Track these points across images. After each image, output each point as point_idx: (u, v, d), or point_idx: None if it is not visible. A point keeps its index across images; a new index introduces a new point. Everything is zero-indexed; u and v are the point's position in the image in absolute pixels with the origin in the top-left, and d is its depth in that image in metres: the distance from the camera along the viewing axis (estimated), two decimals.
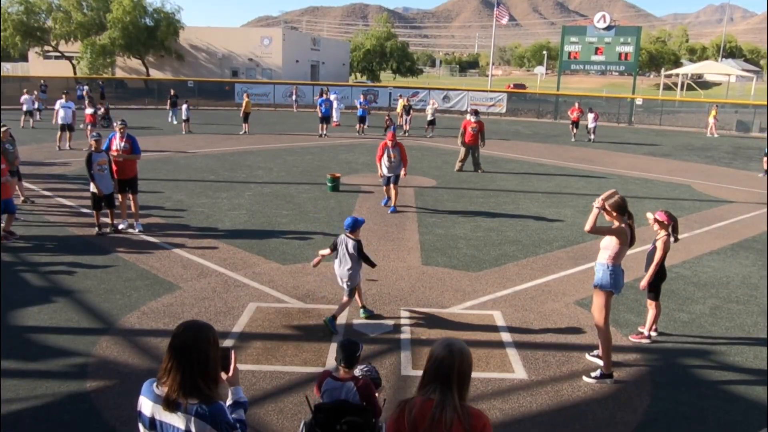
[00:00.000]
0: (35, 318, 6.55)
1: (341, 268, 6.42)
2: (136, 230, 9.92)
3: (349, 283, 6.44)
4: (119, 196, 10.09)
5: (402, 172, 12.14)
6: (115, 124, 10.12)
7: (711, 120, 30.84)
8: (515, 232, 10.72)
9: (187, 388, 2.46)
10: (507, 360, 5.93)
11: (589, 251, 9.74)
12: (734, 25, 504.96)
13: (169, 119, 27.60)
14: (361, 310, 6.84)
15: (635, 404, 5.25)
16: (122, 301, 7.07)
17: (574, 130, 26.09)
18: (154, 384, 2.57)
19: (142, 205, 11.89)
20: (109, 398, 5.02)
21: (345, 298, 6.54)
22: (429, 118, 25.60)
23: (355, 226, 6.40)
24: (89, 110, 20.43)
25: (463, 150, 17.00)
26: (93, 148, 9.52)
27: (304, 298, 7.32)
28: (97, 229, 9.72)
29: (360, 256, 6.40)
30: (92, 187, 9.51)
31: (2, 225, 9.20)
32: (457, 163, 17.18)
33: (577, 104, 26.83)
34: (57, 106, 19.03)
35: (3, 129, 10.43)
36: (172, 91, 28.80)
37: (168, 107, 27.95)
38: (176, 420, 2.48)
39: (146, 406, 2.55)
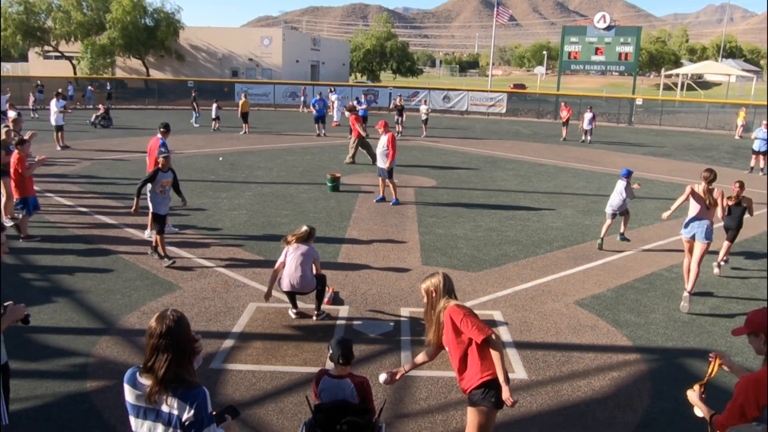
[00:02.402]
0: (35, 318, 6.52)
1: (615, 199, 9.78)
2: (175, 230, 10.02)
3: (617, 210, 9.79)
4: None
5: (386, 164, 12.27)
6: (161, 130, 9.84)
7: (740, 122, 30.44)
8: (515, 232, 10.73)
9: (170, 377, 2.56)
10: (507, 360, 5.93)
11: (589, 251, 9.74)
12: (734, 25, 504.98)
13: (193, 120, 26.76)
14: (619, 236, 10.01)
15: (635, 404, 5.25)
16: (122, 301, 7.07)
17: (564, 129, 26.30)
18: (137, 373, 2.65)
19: (142, 204, 11.89)
20: (109, 398, 5.02)
21: (609, 221, 9.80)
22: (423, 117, 25.56)
23: (629, 174, 10.07)
24: (12, 113, 17.26)
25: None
26: (160, 165, 8.34)
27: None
28: (155, 253, 8.47)
29: (627, 191, 9.75)
30: (151, 206, 8.41)
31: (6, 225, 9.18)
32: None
33: (563, 104, 26.97)
34: (51, 106, 19.15)
35: (5, 130, 10.44)
36: (193, 93, 28.13)
37: (195, 109, 27.01)
38: (160, 404, 2.57)
39: (130, 393, 2.64)
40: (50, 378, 5.33)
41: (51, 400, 4.99)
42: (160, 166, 8.34)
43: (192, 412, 2.54)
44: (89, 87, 35.21)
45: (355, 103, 25.18)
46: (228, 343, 6.09)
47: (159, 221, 8.44)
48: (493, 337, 3.66)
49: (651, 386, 5.56)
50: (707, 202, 7.39)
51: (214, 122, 25.27)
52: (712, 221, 7.50)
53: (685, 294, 7.41)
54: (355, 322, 6.68)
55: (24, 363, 5.57)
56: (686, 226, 7.68)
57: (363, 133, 17.44)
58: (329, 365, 3.93)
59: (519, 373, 5.69)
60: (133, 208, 8.34)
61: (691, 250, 7.64)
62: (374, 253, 9.22)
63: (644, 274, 8.66)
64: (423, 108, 26.10)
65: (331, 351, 3.84)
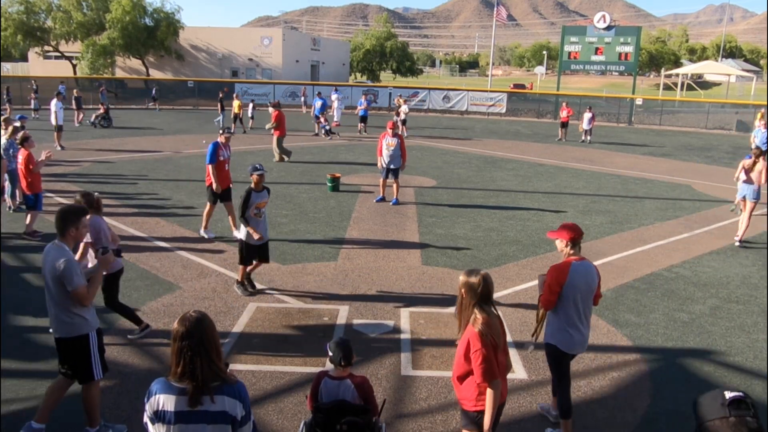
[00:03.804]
0: (35, 318, 6.54)
1: (744, 185, 10.54)
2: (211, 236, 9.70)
3: (751, 197, 10.42)
4: (207, 206, 9.66)
5: (401, 165, 12.35)
6: (221, 132, 9.72)
7: (757, 123, 30.01)
8: (515, 232, 10.73)
9: (209, 376, 2.58)
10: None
11: (588, 251, 9.74)
12: (734, 25, 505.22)
13: (215, 122, 26.47)
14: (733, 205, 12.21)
15: (635, 404, 5.25)
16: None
17: (561, 130, 26.15)
18: (169, 380, 2.63)
19: (142, 204, 11.90)
20: (109, 398, 5.02)
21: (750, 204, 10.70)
22: (402, 117, 24.77)
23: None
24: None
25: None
26: (253, 185, 7.19)
27: (304, 298, 7.33)
28: (242, 287, 7.34)
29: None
30: (242, 233, 7.19)
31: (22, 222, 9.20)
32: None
33: (564, 103, 26.86)
34: (52, 106, 19.23)
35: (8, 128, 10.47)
36: (220, 93, 27.73)
37: (219, 110, 26.47)
38: (207, 405, 2.57)
39: (169, 401, 2.59)
40: (50, 378, 5.30)
41: None
42: (253, 185, 7.15)
43: (242, 405, 2.63)
44: (102, 88, 34.95)
45: (327, 102, 24.95)
46: (228, 343, 6.09)
47: (245, 250, 7.20)
48: (494, 384, 3.47)
49: (651, 386, 5.56)
50: (751, 171, 10.33)
51: (251, 121, 26.12)
52: (759, 186, 10.30)
53: (736, 240, 10.38)
54: (355, 322, 6.68)
55: (24, 363, 5.57)
56: (740, 189, 10.60)
57: (283, 132, 17.95)
58: (329, 365, 3.92)
59: (519, 373, 5.69)
60: (256, 236, 7.05)
61: (743, 208, 10.57)
62: (374, 253, 9.22)
63: (644, 274, 8.66)
64: (404, 108, 25.90)
65: (331, 353, 3.83)
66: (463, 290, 3.57)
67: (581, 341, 4.61)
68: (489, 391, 3.48)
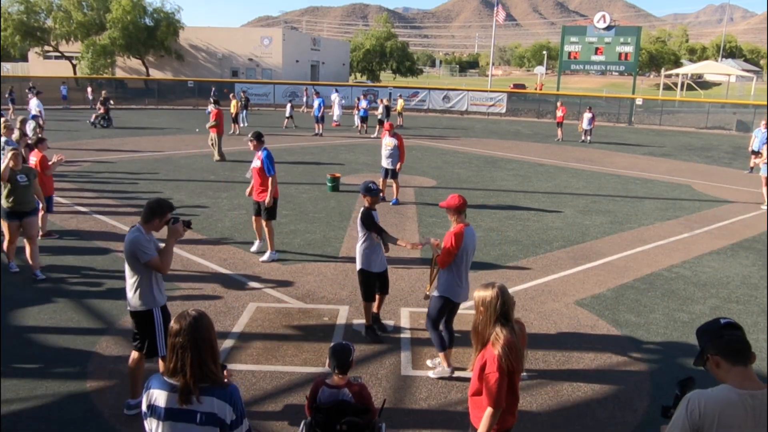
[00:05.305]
0: (35, 318, 6.54)
1: None
2: (269, 260, 8.68)
3: None
4: (254, 219, 9.03)
5: (397, 166, 12.34)
6: (248, 138, 8.99)
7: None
8: (515, 232, 10.73)
9: (200, 375, 2.56)
10: None
11: (589, 251, 9.74)
12: (734, 25, 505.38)
13: (240, 123, 26.32)
14: None
15: (635, 404, 5.25)
16: (122, 301, 7.02)
17: (559, 130, 26.14)
18: (163, 376, 2.63)
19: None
20: (109, 398, 5.02)
21: None
22: (379, 117, 24.33)
23: None
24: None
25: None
26: (367, 204, 6.15)
27: (304, 298, 7.33)
28: (372, 333, 6.29)
29: None
30: (362, 262, 6.18)
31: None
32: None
33: (559, 103, 26.80)
34: (31, 105, 19.28)
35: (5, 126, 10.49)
36: (242, 93, 27.79)
37: (241, 109, 26.28)
38: (195, 405, 2.56)
39: (161, 397, 2.60)
40: (50, 378, 5.33)
41: (51, 400, 4.99)
42: (367, 204, 6.16)
43: (232, 409, 2.59)
44: (89, 88, 34.98)
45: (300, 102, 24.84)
46: (228, 343, 6.09)
47: (366, 282, 6.20)
48: (498, 411, 3.28)
49: (651, 386, 5.56)
50: None
51: (286, 120, 26.81)
52: None
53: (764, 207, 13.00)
54: (355, 322, 6.68)
55: (24, 363, 5.57)
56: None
57: (222, 131, 17.74)
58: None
59: None
60: (407, 244, 6.16)
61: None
62: None
63: (644, 274, 8.66)
64: (381, 108, 25.76)
65: (328, 359, 3.83)
66: (480, 308, 3.27)
67: (466, 292, 5.44)
68: (488, 411, 3.24)
